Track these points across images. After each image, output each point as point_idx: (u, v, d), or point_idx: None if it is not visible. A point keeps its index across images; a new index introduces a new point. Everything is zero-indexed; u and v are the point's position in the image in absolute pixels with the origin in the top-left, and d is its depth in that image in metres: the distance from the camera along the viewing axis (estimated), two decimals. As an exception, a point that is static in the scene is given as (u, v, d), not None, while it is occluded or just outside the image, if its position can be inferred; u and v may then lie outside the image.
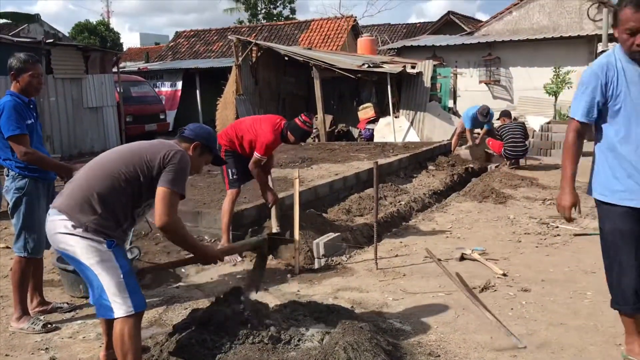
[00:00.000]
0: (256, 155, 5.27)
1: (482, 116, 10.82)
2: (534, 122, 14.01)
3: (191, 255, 3.11)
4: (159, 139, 3.22)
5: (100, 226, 2.74)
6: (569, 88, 14.88)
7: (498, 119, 11.12)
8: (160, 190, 2.80)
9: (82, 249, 2.71)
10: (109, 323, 3.11)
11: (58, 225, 2.76)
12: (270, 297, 4.26)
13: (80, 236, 2.71)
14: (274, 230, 5.45)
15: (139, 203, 2.92)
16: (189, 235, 3.08)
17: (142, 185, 2.85)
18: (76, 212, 2.74)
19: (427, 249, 5.33)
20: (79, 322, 3.96)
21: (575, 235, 5.87)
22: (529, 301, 4.13)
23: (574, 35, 16.77)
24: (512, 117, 11.18)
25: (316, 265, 5.22)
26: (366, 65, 14.20)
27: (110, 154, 3.00)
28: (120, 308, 2.69)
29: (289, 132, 5.31)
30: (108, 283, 2.69)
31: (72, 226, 2.72)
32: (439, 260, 5.15)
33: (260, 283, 3.37)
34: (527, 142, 10.65)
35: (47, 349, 3.54)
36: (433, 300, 4.20)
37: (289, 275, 4.87)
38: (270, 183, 5.64)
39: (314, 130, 10.39)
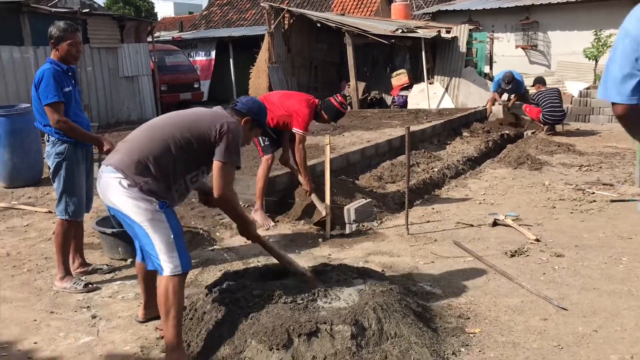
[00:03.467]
0: (298, 132, 5.23)
1: (505, 83, 10.76)
2: (573, 88, 13.65)
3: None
4: (210, 108, 3.23)
5: (154, 187, 2.81)
6: (610, 52, 14.39)
7: (532, 86, 10.89)
8: (217, 164, 2.91)
9: (135, 207, 2.78)
10: (148, 283, 3.23)
11: (112, 182, 2.82)
12: (302, 260, 4.32)
13: (135, 195, 2.78)
14: (323, 214, 5.20)
15: (193, 170, 2.98)
16: (240, 207, 3.24)
17: (196, 153, 2.92)
18: (131, 171, 2.80)
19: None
20: (118, 282, 4.10)
21: (612, 201, 5.77)
22: (561, 266, 4.11)
23: (617, -3, 16.13)
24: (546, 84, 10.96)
25: (347, 231, 5.26)
26: (400, 31, 13.98)
27: (167, 119, 3.06)
28: (168, 266, 2.78)
29: (322, 111, 5.30)
30: (159, 242, 2.78)
31: (128, 185, 2.79)
32: (471, 225, 5.14)
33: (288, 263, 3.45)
34: (565, 107, 10.43)
35: (88, 307, 3.70)
36: (464, 265, 4.21)
37: (320, 240, 4.94)
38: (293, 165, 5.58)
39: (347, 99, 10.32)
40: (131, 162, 2.82)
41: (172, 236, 2.79)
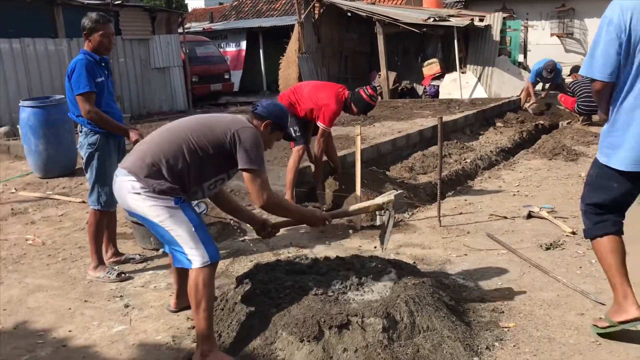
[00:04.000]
0: (322, 126, 5.24)
1: (547, 72, 10.44)
2: (610, 77, 13.27)
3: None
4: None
5: (167, 188, 2.79)
6: (650, 39, 13.96)
7: (569, 75, 10.62)
8: (246, 175, 2.87)
9: (151, 209, 2.79)
10: (180, 273, 3.24)
11: (126, 185, 2.83)
12: (332, 252, 4.30)
13: (148, 196, 2.78)
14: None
15: (210, 177, 2.95)
16: (292, 206, 3.21)
17: (212, 159, 2.88)
18: (144, 174, 2.79)
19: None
20: (150, 272, 4.14)
21: (653, 193, 5.58)
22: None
23: (658, -18, 15.62)
24: None
25: (378, 222, 5.21)
26: (432, 20, 13.76)
27: (183, 122, 3.02)
28: (196, 259, 2.77)
29: (352, 104, 5.25)
30: (182, 236, 2.77)
31: (141, 187, 2.79)
32: (505, 217, 5.04)
33: (386, 242, 3.38)
34: None
35: (121, 296, 3.74)
36: (498, 258, 4.13)
37: (350, 231, 4.90)
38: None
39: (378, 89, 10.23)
40: (144, 164, 2.81)
41: (193, 229, 2.78)
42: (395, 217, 3.27)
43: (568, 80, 10.73)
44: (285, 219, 3.29)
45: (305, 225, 3.36)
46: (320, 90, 5.40)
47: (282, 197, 3.06)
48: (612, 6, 2.75)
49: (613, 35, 2.66)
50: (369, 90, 5.25)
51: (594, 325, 3.04)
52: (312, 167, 5.69)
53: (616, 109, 2.83)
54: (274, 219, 3.38)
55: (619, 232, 3.07)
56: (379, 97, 9.94)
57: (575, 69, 10.45)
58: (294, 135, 5.37)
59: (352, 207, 3.53)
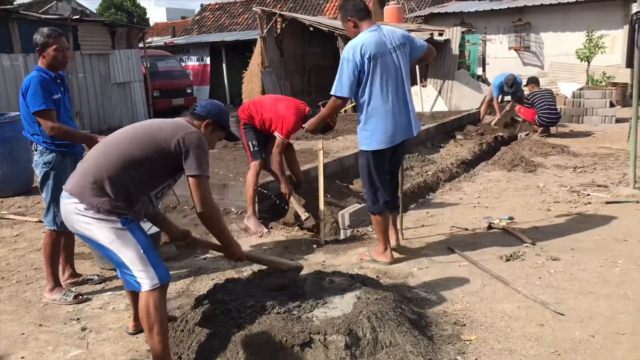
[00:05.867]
0: (279, 136, 5.22)
1: (508, 86, 10.69)
2: (566, 89, 13.67)
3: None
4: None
5: (112, 207, 2.71)
6: (602, 53, 14.42)
7: (526, 86, 10.87)
8: (192, 180, 2.79)
9: (98, 230, 2.71)
10: (136, 295, 3.16)
11: (70, 208, 2.75)
12: (296, 268, 4.29)
13: (93, 217, 2.70)
14: (303, 218, 5.32)
15: (156, 185, 2.87)
16: (225, 227, 3.07)
17: (158, 167, 2.80)
18: (87, 194, 2.71)
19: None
20: (108, 293, 4.04)
21: (607, 203, 5.74)
22: (557, 270, 4.07)
23: (608, -2, 16.19)
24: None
25: (342, 236, 5.22)
26: (392, 34, 13.95)
27: (123, 134, 2.92)
28: (145, 281, 2.70)
29: None
30: (130, 258, 2.70)
31: (84, 209, 2.70)
32: (466, 229, 5.11)
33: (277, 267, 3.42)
34: (558, 109, 10.43)
35: (78, 319, 3.63)
36: (459, 270, 4.17)
37: (314, 246, 4.89)
38: (287, 171, 5.60)
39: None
40: (86, 184, 2.73)
41: (141, 250, 2.71)
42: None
43: (526, 91, 10.98)
44: (206, 240, 3.26)
45: (219, 252, 3.24)
46: (282, 101, 5.40)
47: (221, 213, 3.02)
48: (346, 48, 4.06)
49: (352, 67, 4.02)
50: None
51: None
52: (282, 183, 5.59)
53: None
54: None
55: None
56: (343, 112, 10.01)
57: (531, 80, 10.69)
58: (252, 149, 5.34)
59: (269, 258, 3.68)
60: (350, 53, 4.01)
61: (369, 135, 4.14)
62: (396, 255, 4.51)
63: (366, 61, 3.99)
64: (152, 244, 2.87)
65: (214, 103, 3.09)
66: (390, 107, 4.08)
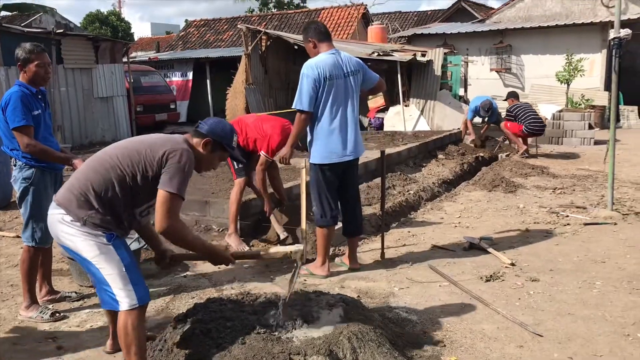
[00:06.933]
0: (264, 155, 5.25)
1: (484, 111, 10.86)
2: (546, 110, 13.86)
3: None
4: (169, 130, 3.09)
5: (99, 220, 2.70)
6: (581, 76, 14.68)
7: (505, 100, 11.03)
8: (160, 193, 2.68)
9: (82, 243, 2.69)
10: (114, 313, 3.11)
11: (56, 218, 2.74)
12: (277, 287, 4.27)
13: (79, 230, 2.69)
14: (281, 237, 5.40)
15: (140, 202, 2.84)
16: (195, 238, 2.96)
17: (141, 184, 2.76)
18: (74, 206, 2.71)
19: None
20: (86, 311, 3.98)
21: (585, 224, 5.82)
22: (536, 291, 4.10)
23: (587, 22, 16.51)
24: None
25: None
26: (376, 54, 14.09)
27: (112, 149, 2.89)
28: (124, 301, 2.68)
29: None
30: (111, 276, 2.68)
31: (71, 220, 2.70)
32: (447, 249, 5.13)
33: (290, 291, 3.15)
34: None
35: (54, 337, 3.57)
36: (440, 290, 4.18)
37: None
38: (269, 188, 5.61)
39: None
40: (72, 196, 2.72)
41: (124, 269, 2.69)
42: (299, 269, 3.19)
43: (505, 105, 11.10)
44: (187, 253, 3.11)
45: (208, 261, 3.13)
46: (266, 121, 5.42)
47: (187, 229, 2.92)
48: (305, 66, 4.27)
49: (311, 83, 4.24)
50: None
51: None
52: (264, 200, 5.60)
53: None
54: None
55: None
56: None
57: (511, 94, 10.81)
58: (236, 166, 5.34)
59: (262, 252, 3.36)
60: (309, 70, 4.26)
61: (316, 149, 4.39)
62: (377, 274, 4.52)
63: (322, 80, 4.24)
64: (136, 263, 2.85)
65: (219, 121, 2.96)
66: (337, 126, 4.33)
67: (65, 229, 2.72)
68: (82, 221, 2.69)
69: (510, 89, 13.62)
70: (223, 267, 3.08)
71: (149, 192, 2.78)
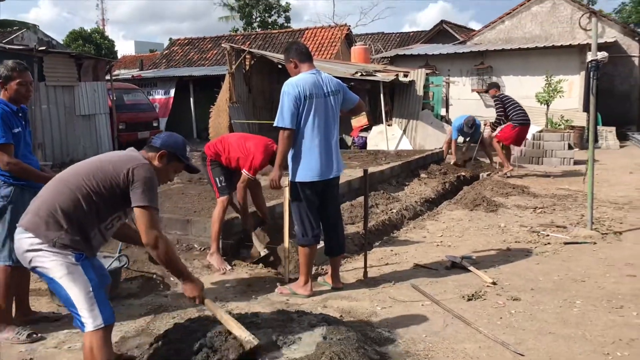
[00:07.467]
0: (245, 173, 5.27)
1: (468, 127, 10.93)
2: (526, 131, 14.04)
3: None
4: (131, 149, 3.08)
5: (68, 241, 2.71)
6: (560, 97, 14.94)
7: (488, 91, 11.08)
8: (137, 211, 2.80)
9: (51, 264, 2.68)
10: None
11: (25, 243, 2.73)
12: (259, 306, 4.24)
13: (48, 251, 2.69)
14: (262, 254, 5.40)
15: (105, 217, 2.88)
16: (178, 259, 3.03)
17: (108, 200, 2.82)
18: (42, 228, 2.71)
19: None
20: (64, 331, 3.91)
21: (566, 243, 5.87)
22: (518, 310, 4.12)
23: (566, 45, 16.86)
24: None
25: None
26: (359, 74, 14.22)
27: (75, 168, 2.95)
28: (89, 321, 2.67)
29: None
30: (77, 296, 2.67)
31: (39, 243, 2.70)
32: (429, 268, 5.15)
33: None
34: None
35: (31, 359, 3.50)
36: (422, 309, 4.18)
37: (278, 284, 4.84)
38: (251, 206, 5.62)
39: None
40: (40, 219, 2.73)
41: (90, 289, 2.69)
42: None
43: (487, 96, 11.12)
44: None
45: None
46: (249, 140, 5.43)
47: (172, 244, 2.97)
48: (286, 84, 4.31)
49: (292, 101, 4.26)
50: None
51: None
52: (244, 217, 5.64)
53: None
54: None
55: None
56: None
57: (493, 85, 10.77)
58: (219, 185, 5.33)
59: (226, 317, 3.05)
60: (289, 87, 4.30)
61: (296, 168, 4.38)
62: (360, 293, 4.52)
63: (302, 98, 4.27)
64: (103, 284, 2.83)
65: (170, 135, 3.15)
66: (317, 144, 4.34)
67: (34, 252, 2.71)
68: (51, 242, 2.69)
69: (491, 109, 13.78)
70: (194, 295, 3.02)
71: (112, 206, 2.87)
